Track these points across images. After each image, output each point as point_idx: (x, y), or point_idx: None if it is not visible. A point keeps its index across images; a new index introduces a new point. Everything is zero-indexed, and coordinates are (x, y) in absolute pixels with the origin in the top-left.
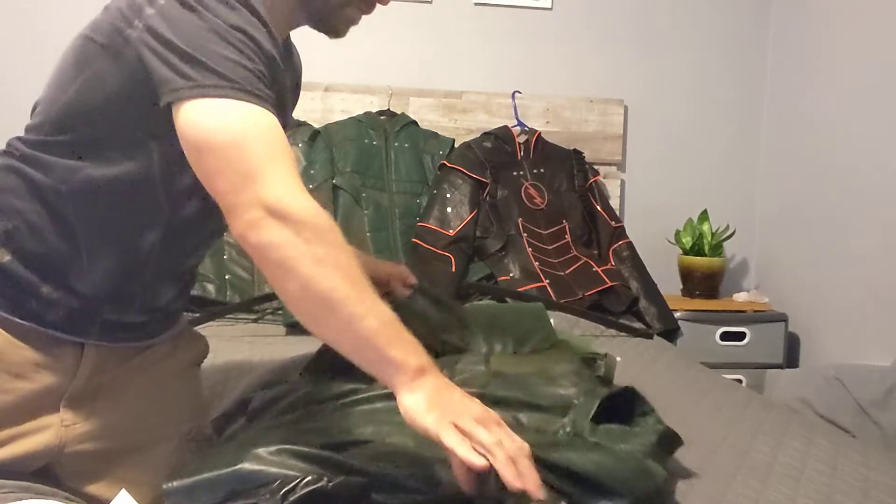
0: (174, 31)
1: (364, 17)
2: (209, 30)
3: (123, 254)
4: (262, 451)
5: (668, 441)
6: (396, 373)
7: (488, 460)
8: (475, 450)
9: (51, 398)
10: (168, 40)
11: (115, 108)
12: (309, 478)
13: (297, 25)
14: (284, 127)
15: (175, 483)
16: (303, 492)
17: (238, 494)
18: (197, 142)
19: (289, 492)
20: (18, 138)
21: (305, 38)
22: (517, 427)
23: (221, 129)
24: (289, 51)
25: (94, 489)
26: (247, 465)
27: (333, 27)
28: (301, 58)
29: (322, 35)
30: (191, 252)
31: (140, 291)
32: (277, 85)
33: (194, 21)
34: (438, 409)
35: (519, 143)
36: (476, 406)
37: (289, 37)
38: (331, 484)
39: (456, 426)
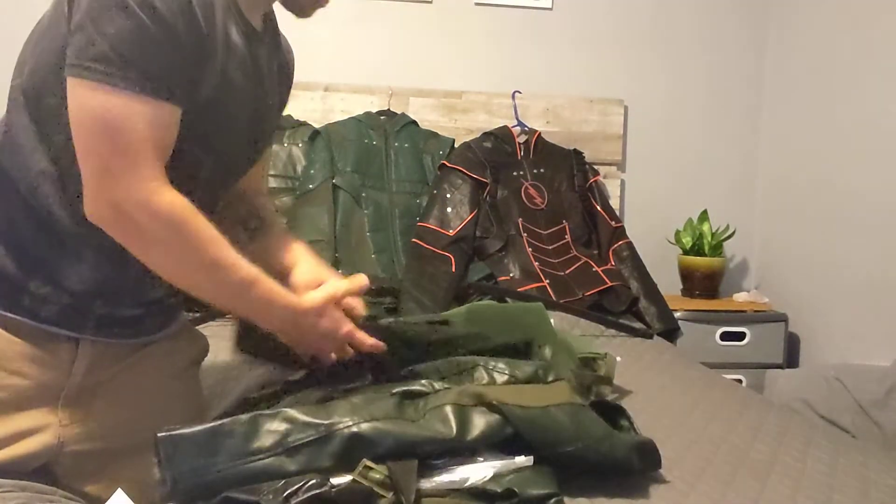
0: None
1: (365, 16)
2: (109, 2)
3: (103, 241)
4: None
5: (646, 453)
6: (272, 328)
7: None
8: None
9: (48, 396)
10: (74, 4)
11: (59, 77)
12: (313, 481)
13: (268, 5)
14: (262, 101)
15: (164, 433)
16: (306, 496)
17: (217, 454)
18: (73, 123)
19: (292, 494)
20: None
21: (305, 39)
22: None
23: (93, 115)
24: (272, 34)
25: (93, 489)
26: (226, 422)
27: (299, 6)
28: (298, 56)
29: (322, 35)
30: None
31: (130, 282)
32: (200, 51)
33: None
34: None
35: (519, 143)
36: (335, 339)
37: (273, 21)
38: (334, 490)
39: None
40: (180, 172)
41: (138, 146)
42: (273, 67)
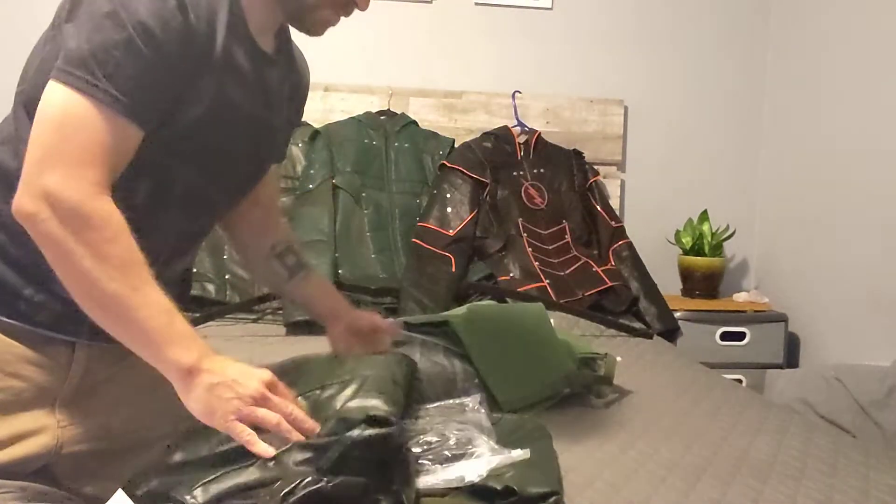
0: (84, 8)
1: (365, 16)
2: (104, 14)
3: None
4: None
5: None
6: (172, 373)
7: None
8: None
9: (45, 398)
10: (72, 13)
11: None
12: (308, 479)
13: (279, 24)
14: (267, 122)
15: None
16: (303, 493)
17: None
18: (36, 117)
19: (288, 493)
20: None
21: (305, 39)
22: None
23: (55, 112)
24: (286, 55)
25: (93, 489)
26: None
27: (308, 27)
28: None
29: (322, 35)
30: (168, 252)
31: None
32: (187, 72)
33: (102, 4)
34: (216, 410)
35: (519, 143)
36: (250, 383)
37: (287, 41)
38: (330, 484)
39: (240, 417)
40: (173, 191)
41: (90, 148)
42: (285, 89)
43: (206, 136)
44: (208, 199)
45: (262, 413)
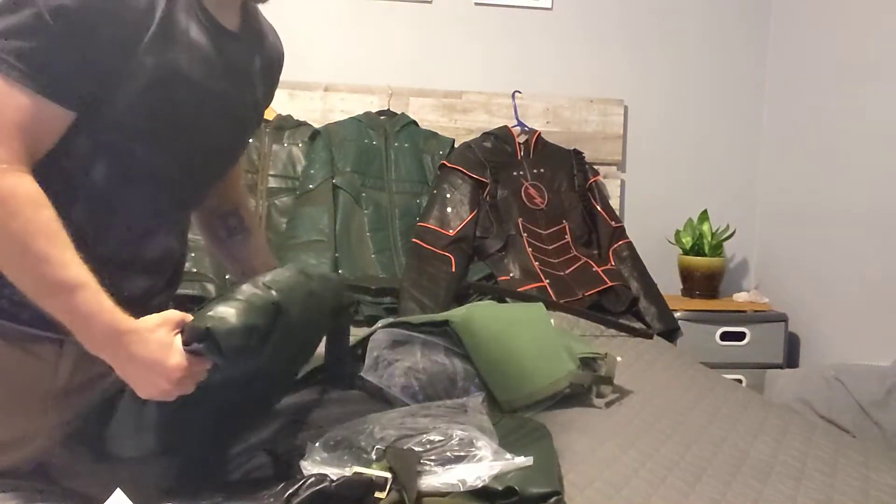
0: None
1: (365, 16)
2: None
3: None
4: None
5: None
6: (91, 348)
7: None
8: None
9: (36, 396)
10: None
11: None
12: (312, 479)
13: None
14: (237, 99)
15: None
16: (307, 493)
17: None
18: None
19: (292, 495)
20: None
21: (306, 39)
22: None
23: None
24: (254, 32)
25: (90, 488)
26: None
27: None
28: (299, 56)
29: (322, 35)
30: (136, 233)
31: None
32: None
33: None
34: (140, 387)
35: (519, 143)
36: (165, 375)
37: (255, 18)
38: (334, 484)
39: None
40: (133, 169)
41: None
42: (255, 65)
43: (157, 112)
44: (179, 177)
45: (183, 390)
